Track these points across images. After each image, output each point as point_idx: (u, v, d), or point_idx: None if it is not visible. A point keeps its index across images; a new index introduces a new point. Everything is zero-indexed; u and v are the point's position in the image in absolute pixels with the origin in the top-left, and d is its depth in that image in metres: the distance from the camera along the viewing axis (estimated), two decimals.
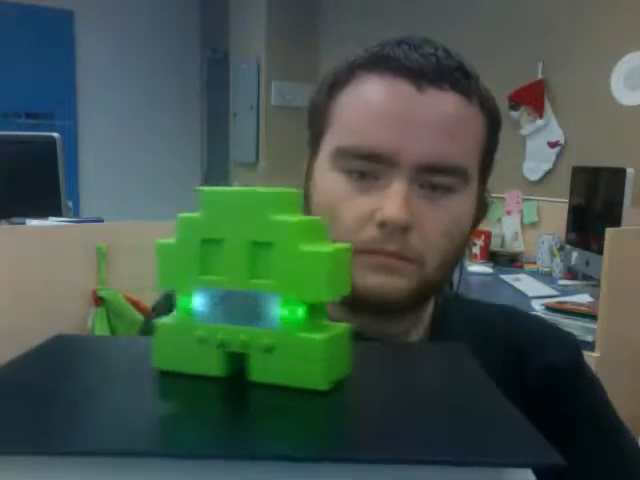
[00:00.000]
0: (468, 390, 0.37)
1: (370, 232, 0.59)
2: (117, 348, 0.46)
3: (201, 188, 0.36)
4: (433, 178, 0.60)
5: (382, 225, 0.58)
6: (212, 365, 0.36)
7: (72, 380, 0.38)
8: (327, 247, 0.35)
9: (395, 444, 0.29)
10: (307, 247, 0.34)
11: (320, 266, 0.34)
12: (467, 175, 0.61)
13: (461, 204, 0.62)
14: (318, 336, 0.35)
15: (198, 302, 0.36)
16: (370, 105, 0.60)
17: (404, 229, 0.58)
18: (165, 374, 0.37)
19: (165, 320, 0.38)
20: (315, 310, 0.35)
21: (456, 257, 0.64)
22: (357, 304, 0.62)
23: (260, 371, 0.35)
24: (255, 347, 0.35)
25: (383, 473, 0.28)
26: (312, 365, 0.34)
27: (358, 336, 0.64)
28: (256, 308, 0.35)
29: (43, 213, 1.77)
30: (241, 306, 0.36)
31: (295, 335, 0.35)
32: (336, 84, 0.64)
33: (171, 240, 0.37)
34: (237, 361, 0.36)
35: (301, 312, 0.35)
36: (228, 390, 0.36)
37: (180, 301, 0.37)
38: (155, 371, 0.38)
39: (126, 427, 0.31)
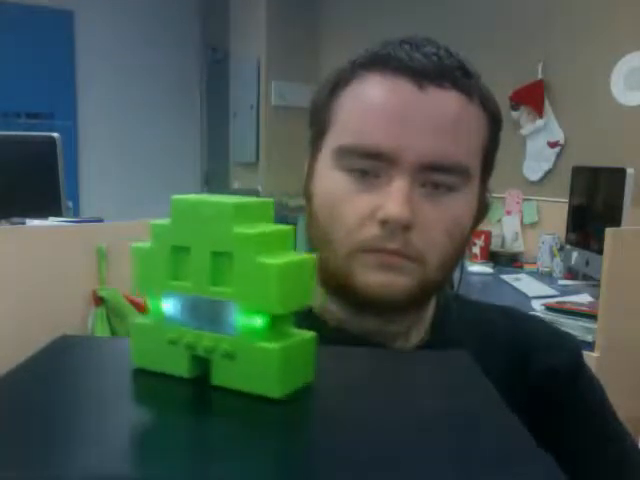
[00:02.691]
0: (472, 407, 0.37)
1: (371, 230, 0.59)
2: (121, 351, 0.46)
3: (173, 197, 0.37)
4: (434, 176, 0.60)
5: (384, 223, 0.58)
6: (181, 367, 0.38)
7: (71, 390, 0.38)
8: (282, 259, 0.35)
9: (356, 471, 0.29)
10: (262, 259, 0.34)
11: (271, 278, 0.34)
12: (468, 173, 0.61)
13: (462, 203, 0.62)
14: (274, 345, 0.35)
15: (168, 306, 0.38)
16: (372, 104, 0.60)
17: (405, 227, 0.58)
18: (140, 375, 0.39)
19: (140, 320, 0.39)
20: (276, 318, 0.36)
21: (457, 256, 0.64)
22: (359, 302, 0.62)
23: (221, 376, 0.37)
24: (217, 353, 0.36)
25: None
26: (268, 373, 0.35)
27: (359, 337, 0.64)
28: (218, 315, 0.36)
29: (43, 213, 1.76)
30: (205, 312, 0.37)
31: (252, 343, 0.36)
32: (338, 84, 0.64)
33: (145, 244, 0.39)
34: (203, 364, 0.37)
35: (259, 321, 0.35)
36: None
37: (152, 303, 0.39)
38: (133, 373, 0.39)
39: (95, 447, 0.31)
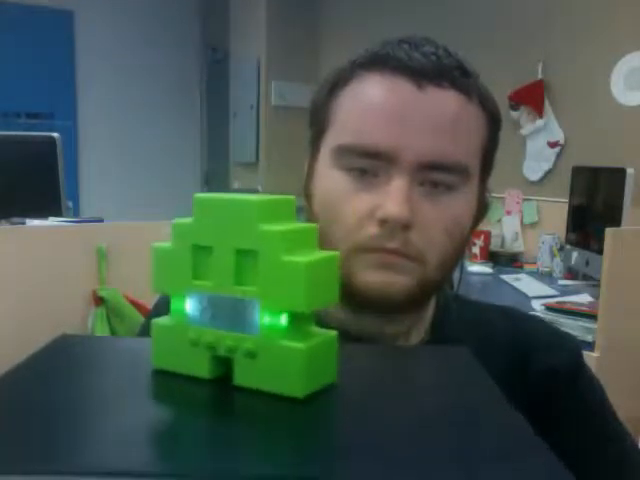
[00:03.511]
0: (474, 403, 0.37)
1: (371, 230, 0.59)
2: (121, 350, 0.46)
3: (195, 195, 0.37)
4: (433, 175, 0.60)
5: (383, 222, 0.58)
6: (202, 367, 0.37)
7: (75, 388, 0.38)
8: (308, 257, 0.35)
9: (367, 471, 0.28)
10: (288, 257, 0.34)
11: (298, 276, 0.34)
12: (467, 172, 0.61)
13: (462, 202, 0.62)
14: (298, 345, 0.35)
15: (190, 306, 0.37)
16: (371, 103, 0.61)
17: (405, 226, 0.58)
18: (161, 376, 0.38)
19: (161, 321, 0.39)
20: (299, 317, 0.36)
21: (456, 256, 0.64)
22: (358, 302, 0.62)
23: (243, 376, 0.36)
24: (239, 352, 0.36)
25: None
26: (292, 373, 0.35)
27: (359, 337, 0.64)
28: (241, 314, 0.36)
29: (43, 213, 1.76)
30: (228, 311, 0.36)
31: (276, 342, 0.35)
32: (337, 83, 0.64)
33: (166, 244, 0.38)
34: (225, 364, 0.37)
35: (282, 320, 0.35)
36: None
37: (174, 304, 0.38)
38: (152, 374, 0.39)
39: (117, 443, 0.31)
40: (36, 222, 1.67)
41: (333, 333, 0.38)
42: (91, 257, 1.58)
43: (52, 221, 1.72)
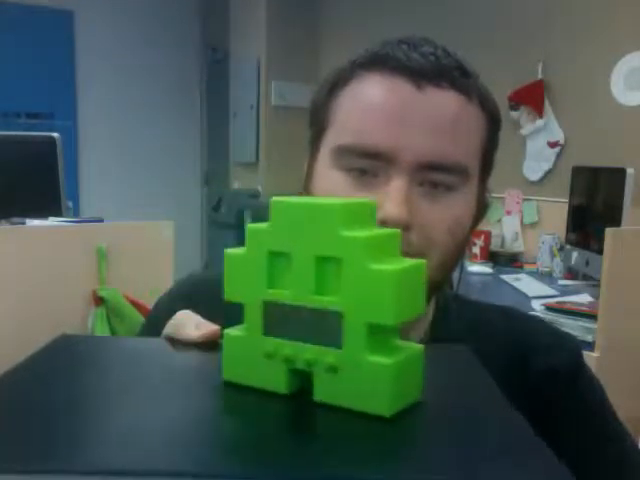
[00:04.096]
0: (468, 399, 0.36)
1: None
2: (122, 349, 0.46)
3: (273, 198, 0.35)
4: (433, 176, 0.60)
5: (382, 223, 0.58)
6: (278, 381, 0.35)
7: (75, 388, 0.38)
8: (396, 265, 0.32)
9: None
10: (375, 265, 0.32)
11: (385, 286, 0.32)
12: (467, 173, 0.61)
13: (461, 203, 0.62)
14: (385, 360, 0.33)
15: (266, 316, 0.35)
16: (370, 104, 0.61)
17: (405, 227, 0.58)
18: (231, 388, 0.37)
19: (233, 331, 0.37)
20: (385, 330, 0.33)
21: (456, 256, 0.64)
22: None
23: (324, 391, 0.34)
24: (319, 366, 0.34)
25: None
26: (378, 390, 0.33)
27: None
28: (321, 326, 0.34)
29: (43, 213, 1.76)
30: (307, 323, 0.34)
31: (360, 357, 0.33)
32: (337, 84, 0.64)
33: (240, 250, 0.36)
34: (303, 379, 0.35)
35: (367, 333, 0.33)
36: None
37: (248, 314, 0.36)
38: (222, 386, 0.37)
39: (120, 444, 0.30)
40: (36, 222, 1.67)
41: (419, 347, 0.35)
42: (91, 257, 1.58)
43: (52, 221, 1.72)
